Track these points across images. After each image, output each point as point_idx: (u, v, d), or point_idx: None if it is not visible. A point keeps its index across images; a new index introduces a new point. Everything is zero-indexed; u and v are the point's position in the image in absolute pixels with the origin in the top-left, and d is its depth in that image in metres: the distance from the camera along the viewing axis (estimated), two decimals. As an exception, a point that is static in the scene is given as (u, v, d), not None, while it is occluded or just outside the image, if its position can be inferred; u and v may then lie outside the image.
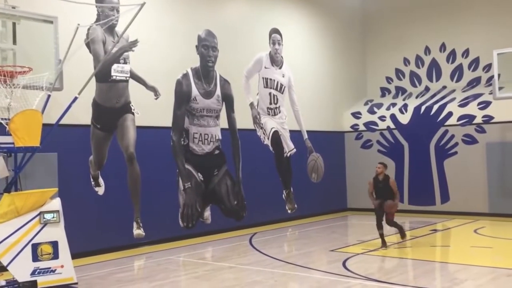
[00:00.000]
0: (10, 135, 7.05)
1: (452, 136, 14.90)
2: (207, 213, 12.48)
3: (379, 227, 9.95)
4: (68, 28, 8.60)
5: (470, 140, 14.60)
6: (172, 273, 8.53)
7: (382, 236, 9.99)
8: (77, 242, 8.78)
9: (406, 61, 16.97)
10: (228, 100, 13.07)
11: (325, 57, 16.52)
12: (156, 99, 11.55)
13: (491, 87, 13.84)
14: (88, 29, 10.24)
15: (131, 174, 10.99)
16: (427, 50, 16.51)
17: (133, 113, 11.09)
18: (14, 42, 7.85)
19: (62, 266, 6.88)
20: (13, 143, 7.04)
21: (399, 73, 17.15)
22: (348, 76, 17.36)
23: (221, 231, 12.48)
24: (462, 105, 14.88)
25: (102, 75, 10.54)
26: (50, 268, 6.81)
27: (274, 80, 14.45)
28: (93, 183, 10.42)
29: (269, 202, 13.98)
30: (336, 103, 16.83)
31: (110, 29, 10.63)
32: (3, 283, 7.13)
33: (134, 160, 11.01)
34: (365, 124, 16.64)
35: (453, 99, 15.26)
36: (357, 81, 17.73)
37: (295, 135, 15.02)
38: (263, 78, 14.19)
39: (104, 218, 10.44)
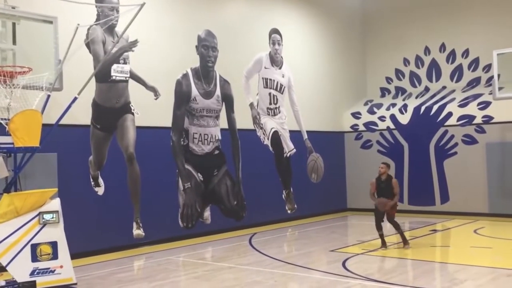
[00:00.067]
0: (10, 135, 7.05)
1: (452, 136, 14.90)
2: (207, 213, 12.48)
3: (379, 228, 9.92)
4: (68, 28, 8.60)
5: (470, 140, 14.60)
6: (172, 273, 8.53)
7: (382, 236, 9.97)
8: (77, 242, 8.79)
9: (406, 61, 16.97)
10: (228, 100, 13.07)
11: (325, 57, 16.52)
12: (156, 99, 11.55)
13: (491, 88, 13.84)
14: (88, 29, 10.24)
15: (131, 174, 10.99)
16: (427, 50, 16.51)
17: (133, 113, 11.09)
18: (14, 42, 7.85)
19: (61, 267, 6.88)
20: (12, 143, 7.04)
21: (399, 73, 17.15)
22: (348, 76, 17.36)
23: (221, 231, 12.48)
24: (462, 105, 14.88)
25: (102, 75, 10.54)
26: (49, 268, 6.81)
27: (274, 80, 14.46)
28: (93, 183, 10.42)
29: (269, 202, 13.98)
30: (336, 103, 16.84)
31: (110, 29, 10.64)
32: (3, 283, 7.12)
33: (134, 160, 11.00)
34: (365, 124, 16.64)
35: (453, 99, 15.26)
36: (357, 81, 17.73)
37: (295, 135, 15.02)
38: (263, 78, 14.20)
39: (104, 218, 10.44)
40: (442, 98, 15.58)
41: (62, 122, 8.07)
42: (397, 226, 9.98)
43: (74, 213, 9.24)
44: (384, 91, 17.48)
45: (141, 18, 9.06)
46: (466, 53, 15.75)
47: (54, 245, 6.88)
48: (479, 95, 14.79)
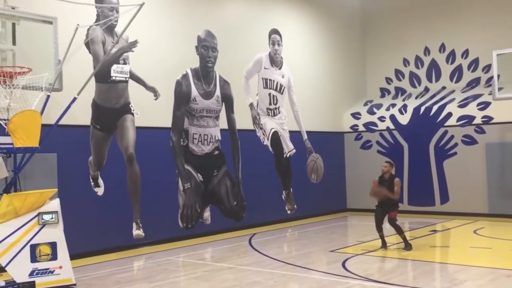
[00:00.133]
0: (9, 135, 7.05)
1: (452, 137, 14.89)
2: (207, 214, 12.48)
3: (379, 229, 9.89)
4: (68, 28, 8.62)
5: (469, 140, 14.60)
6: (172, 273, 8.53)
7: (382, 237, 9.95)
8: (77, 243, 8.80)
9: (405, 62, 16.97)
10: (227, 100, 13.07)
11: (324, 57, 16.52)
12: (155, 99, 11.55)
13: (491, 88, 13.83)
14: (88, 30, 10.24)
15: (131, 174, 10.99)
16: (427, 51, 16.51)
17: (132, 114, 11.09)
18: (14, 42, 7.85)
19: (60, 267, 6.89)
20: (12, 144, 7.04)
21: (398, 73, 17.15)
22: (347, 76, 17.36)
23: (220, 232, 12.48)
24: (462, 105, 14.88)
25: (102, 75, 10.53)
26: (48, 269, 6.81)
27: (273, 81, 14.45)
28: (92, 183, 10.42)
29: (268, 203, 13.98)
30: (336, 103, 16.83)
31: (110, 30, 10.63)
32: (3, 283, 7.12)
33: (133, 161, 11.00)
34: (365, 125, 16.64)
35: (453, 99, 15.26)
36: (357, 81, 17.73)
37: (295, 135, 15.02)
38: (262, 78, 14.19)
39: (104, 219, 10.43)
40: (441, 98, 15.58)
41: (61, 122, 8.09)
42: (399, 230, 9.87)
43: (74, 214, 9.24)
44: (384, 92, 17.48)
45: (141, 19, 9.08)
46: (466, 54, 15.75)
47: (53, 245, 6.88)
48: (479, 96, 14.79)
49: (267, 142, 14.22)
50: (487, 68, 15.04)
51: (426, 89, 16.47)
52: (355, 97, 17.51)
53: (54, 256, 6.86)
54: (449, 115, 14.98)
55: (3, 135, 7.10)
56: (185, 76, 12.17)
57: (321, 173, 15.67)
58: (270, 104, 14.37)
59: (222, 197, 12.86)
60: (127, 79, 11.01)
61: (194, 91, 12.27)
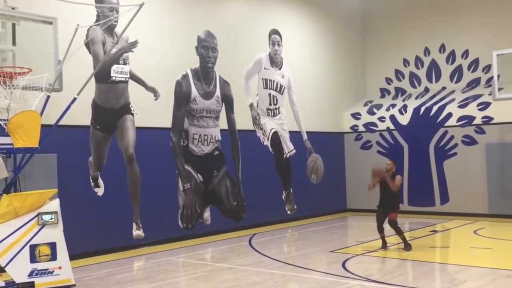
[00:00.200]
0: (9, 136, 7.05)
1: (452, 137, 14.89)
2: (207, 214, 12.48)
3: (380, 230, 9.89)
4: (68, 28, 8.61)
5: (469, 141, 14.60)
6: (172, 274, 8.53)
7: (383, 238, 9.95)
8: (77, 243, 8.80)
9: (405, 62, 16.97)
10: (227, 101, 13.07)
11: (324, 57, 16.52)
12: (155, 100, 11.55)
13: (491, 88, 13.83)
14: (88, 30, 10.24)
15: (131, 175, 10.99)
16: (427, 51, 16.51)
17: (132, 114, 11.08)
18: (14, 43, 7.85)
19: (60, 268, 6.88)
20: (12, 144, 7.04)
21: (398, 74, 17.15)
22: (347, 76, 17.36)
23: (220, 232, 12.48)
24: (462, 106, 14.88)
25: (102, 76, 10.54)
26: (48, 269, 6.80)
27: (273, 81, 14.45)
28: (92, 184, 10.42)
29: (268, 203, 13.98)
30: (336, 104, 16.84)
31: (110, 30, 10.64)
32: (3, 284, 7.12)
33: (133, 161, 11.00)
34: (365, 125, 16.64)
35: (453, 100, 15.25)
36: (357, 81, 17.73)
37: (295, 136, 15.02)
38: (262, 79, 14.19)
39: (104, 219, 10.43)
40: (442, 98, 15.58)
41: (61, 122, 8.08)
42: (399, 231, 9.86)
43: (74, 214, 9.24)
44: (384, 92, 17.48)
45: (141, 19, 9.09)
46: (466, 54, 15.75)
47: (53, 246, 6.88)
48: (479, 96, 14.79)
49: (267, 143, 14.22)
50: (487, 68, 15.04)
51: (426, 90, 16.47)
52: (355, 97, 17.51)
53: (53, 257, 6.86)
54: (449, 115, 14.98)
55: (3, 136, 7.10)
56: (185, 76, 12.17)
57: (321, 174, 15.67)
58: (270, 104, 14.37)
59: (222, 198, 12.86)
60: (127, 79, 11.01)
61: (194, 92, 12.27)
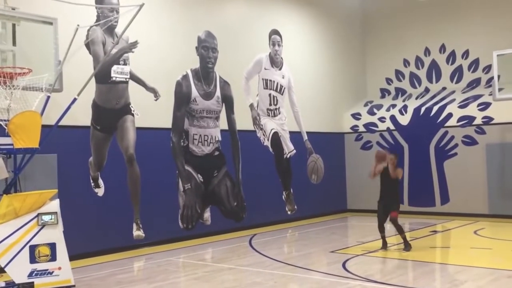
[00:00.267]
0: (10, 136, 7.05)
1: (452, 137, 14.89)
2: (207, 214, 12.48)
3: (381, 230, 9.90)
4: (68, 29, 8.62)
5: (470, 141, 14.60)
6: (172, 274, 8.53)
7: (384, 238, 9.95)
8: (77, 244, 8.80)
9: (406, 62, 16.97)
10: (228, 101, 13.07)
11: (324, 57, 16.52)
12: (156, 100, 11.55)
13: (491, 88, 13.84)
14: (88, 30, 10.24)
15: (131, 175, 10.99)
16: (427, 51, 16.51)
17: (133, 114, 11.08)
18: (14, 43, 7.85)
19: (59, 268, 6.86)
20: (12, 145, 7.04)
21: (399, 74, 17.15)
22: (348, 77, 17.36)
23: (221, 232, 12.48)
24: (462, 106, 14.88)
25: (102, 76, 10.54)
26: (47, 270, 6.80)
27: (274, 81, 14.45)
28: (92, 184, 10.42)
29: (269, 203, 13.98)
30: (336, 104, 16.83)
31: (110, 30, 10.64)
32: (3, 284, 7.13)
33: (134, 162, 11.00)
34: (365, 125, 16.64)
35: (453, 100, 15.25)
36: (357, 82, 17.73)
37: (295, 136, 15.02)
38: (263, 79, 14.19)
39: (104, 219, 10.43)
40: (442, 99, 15.57)
41: (62, 123, 8.07)
42: (400, 230, 9.88)
43: (74, 214, 9.24)
44: (384, 92, 17.48)
45: (141, 19, 9.08)
46: (466, 54, 15.74)
47: (52, 246, 6.87)
48: (479, 96, 14.79)
49: (267, 143, 14.22)
50: (487, 68, 15.03)
51: (427, 90, 16.46)
52: (355, 98, 17.51)
53: (53, 257, 6.85)
54: (450, 115, 14.98)
55: (3, 136, 7.10)
56: (185, 76, 12.17)
57: (321, 174, 15.67)
58: (270, 104, 14.37)
59: (222, 198, 12.86)
60: (127, 79, 11.01)
61: (194, 92, 12.27)
